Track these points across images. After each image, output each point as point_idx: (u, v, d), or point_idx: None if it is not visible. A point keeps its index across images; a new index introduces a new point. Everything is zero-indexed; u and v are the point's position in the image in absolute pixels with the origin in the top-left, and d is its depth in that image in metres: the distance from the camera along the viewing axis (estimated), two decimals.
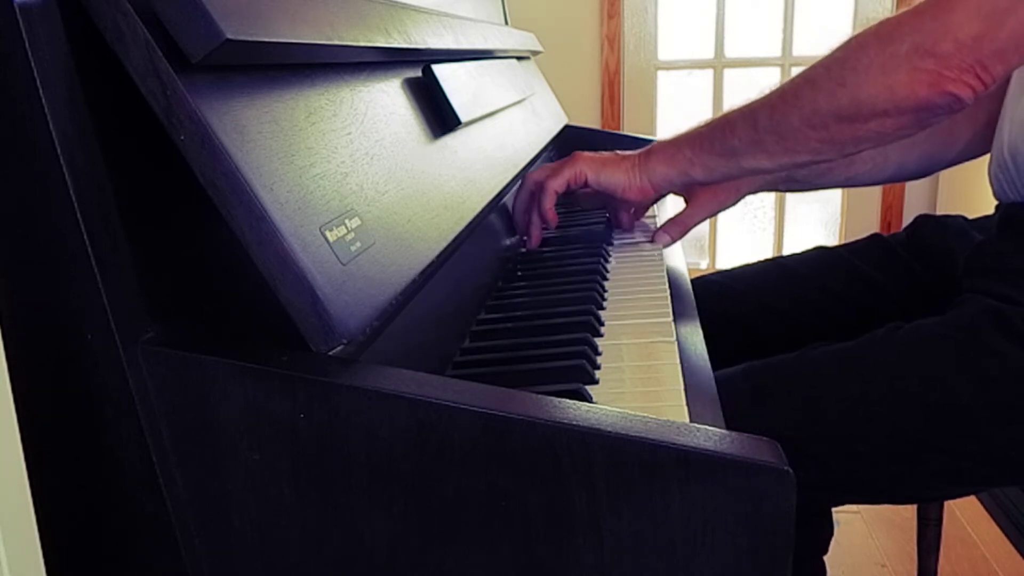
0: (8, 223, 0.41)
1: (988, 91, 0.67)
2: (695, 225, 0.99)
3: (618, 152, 0.91)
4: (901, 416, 0.71)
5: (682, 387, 0.57)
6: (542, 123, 1.22)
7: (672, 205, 1.08)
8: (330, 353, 0.43)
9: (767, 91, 0.77)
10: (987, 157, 0.88)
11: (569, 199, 1.02)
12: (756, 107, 0.77)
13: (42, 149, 0.40)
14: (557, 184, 0.90)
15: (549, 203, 0.91)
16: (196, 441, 0.43)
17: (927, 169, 1.01)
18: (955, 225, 0.96)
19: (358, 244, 0.48)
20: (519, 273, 0.88)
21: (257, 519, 0.43)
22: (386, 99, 0.65)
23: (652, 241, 0.98)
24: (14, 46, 0.39)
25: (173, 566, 0.45)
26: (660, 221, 1.02)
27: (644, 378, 0.60)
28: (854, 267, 0.98)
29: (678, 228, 0.98)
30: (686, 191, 0.99)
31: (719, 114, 0.82)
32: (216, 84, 0.44)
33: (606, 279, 0.85)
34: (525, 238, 0.96)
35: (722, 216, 2.67)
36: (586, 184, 0.90)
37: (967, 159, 0.99)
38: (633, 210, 1.04)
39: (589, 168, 0.90)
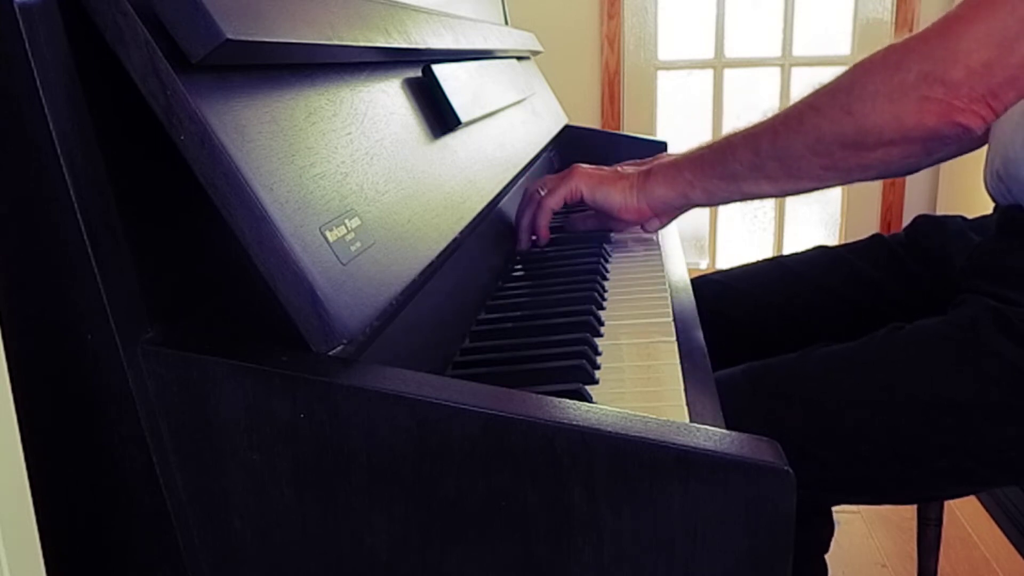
0: (8, 223, 0.41)
1: (997, 119, 0.65)
2: (684, 211, 0.98)
3: (618, 169, 0.90)
4: (902, 416, 0.71)
5: (682, 387, 0.57)
6: (542, 123, 1.22)
7: None
8: (330, 353, 0.43)
9: (770, 114, 0.76)
10: (985, 157, 0.88)
11: (568, 220, 1.01)
12: (758, 131, 0.76)
13: (42, 149, 0.40)
14: (553, 202, 0.90)
15: (544, 220, 0.91)
16: (196, 441, 0.43)
17: (917, 165, 1.00)
18: (954, 225, 0.95)
19: (358, 244, 0.48)
20: (519, 273, 0.88)
21: (257, 519, 0.43)
22: (386, 99, 0.65)
23: (641, 227, 0.97)
24: (14, 46, 0.39)
25: (173, 566, 0.45)
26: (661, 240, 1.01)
27: (644, 378, 0.60)
28: (854, 267, 0.98)
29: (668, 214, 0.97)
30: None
31: (722, 134, 0.81)
32: (216, 84, 0.44)
33: (606, 279, 0.85)
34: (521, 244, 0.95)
35: (722, 216, 2.68)
36: (582, 200, 0.90)
37: (959, 155, 0.99)
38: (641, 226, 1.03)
39: (585, 185, 0.89)
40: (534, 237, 0.94)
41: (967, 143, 0.95)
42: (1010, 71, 0.63)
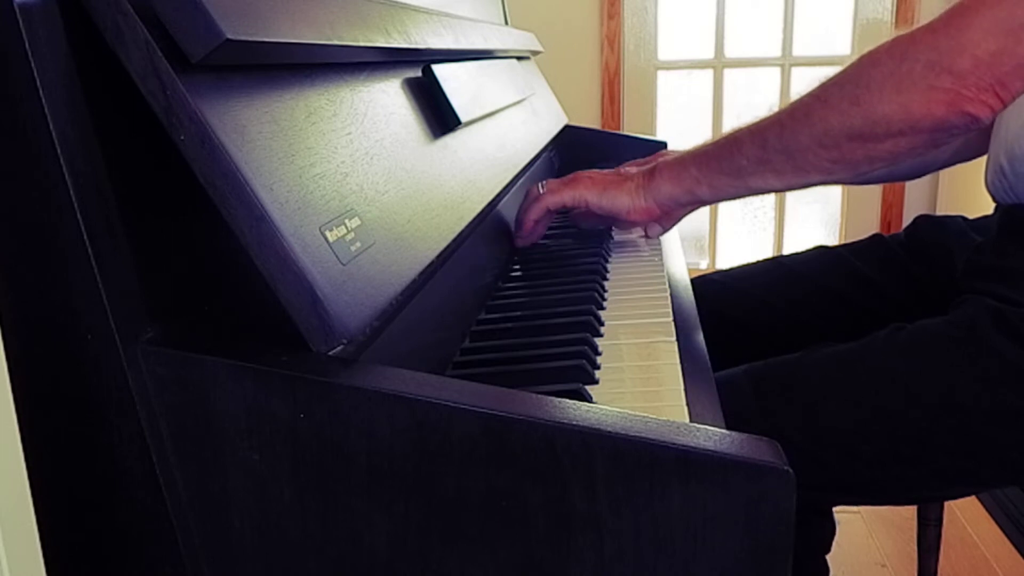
0: (8, 223, 0.41)
1: (1005, 109, 0.65)
2: (685, 215, 0.98)
3: (620, 171, 0.89)
4: (902, 417, 0.71)
5: (682, 387, 0.57)
6: (542, 123, 1.22)
7: None
8: (330, 353, 0.43)
9: (776, 109, 0.76)
10: (985, 158, 0.88)
11: (568, 219, 1.01)
12: (764, 125, 0.75)
13: (42, 150, 0.40)
14: (551, 201, 0.88)
15: (534, 215, 0.89)
16: (196, 441, 0.43)
17: (919, 171, 1.01)
18: (954, 225, 0.95)
19: (358, 244, 0.48)
20: (519, 273, 0.88)
21: (257, 519, 0.43)
22: (386, 99, 0.65)
23: (644, 233, 0.97)
24: (14, 46, 0.39)
25: (173, 566, 0.45)
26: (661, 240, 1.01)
27: (644, 378, 0.60)
28: (854, 267, 0.98)
29: (669, 218, 0.97)
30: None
31: (726, 131, 0.80)
32: (216, 84, 0.44)
33: (606, 279, 0.85)
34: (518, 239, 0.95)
35: (722, 216, 2.68)
36: (587, 207, 0.89)
37: (958, 162, 0.99)
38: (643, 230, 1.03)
39: (590, 192, 0.88)
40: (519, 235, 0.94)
41: (975, 141, 0.95)
42: (1018, 60, 0.62)
